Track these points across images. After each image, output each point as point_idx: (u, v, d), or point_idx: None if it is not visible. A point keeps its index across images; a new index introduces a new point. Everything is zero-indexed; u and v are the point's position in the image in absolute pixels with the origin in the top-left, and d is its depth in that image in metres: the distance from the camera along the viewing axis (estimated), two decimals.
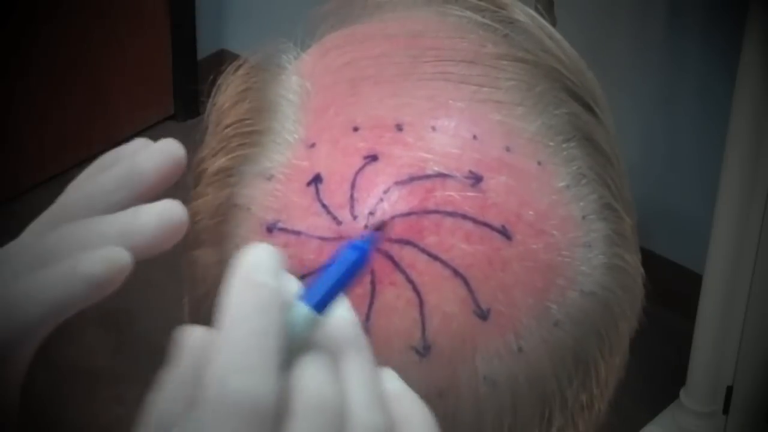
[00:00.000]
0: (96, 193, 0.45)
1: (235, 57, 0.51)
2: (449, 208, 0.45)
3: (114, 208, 0.44)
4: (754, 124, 1.68)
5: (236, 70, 0.51)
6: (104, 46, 2.51)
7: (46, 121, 2.44)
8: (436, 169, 0.45)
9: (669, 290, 1.65)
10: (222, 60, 0.49)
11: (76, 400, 1.92)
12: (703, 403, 1.84)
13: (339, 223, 0.45)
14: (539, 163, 0.47)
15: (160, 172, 0.45)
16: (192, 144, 0.52)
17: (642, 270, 0.51)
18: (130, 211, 0.44)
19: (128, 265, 0.42)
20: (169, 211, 0.43)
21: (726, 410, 1.84)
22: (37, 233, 0.45)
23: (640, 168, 2.09)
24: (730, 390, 1.83)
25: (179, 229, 0.43)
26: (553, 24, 0.53)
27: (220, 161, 0.49)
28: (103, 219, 0.44)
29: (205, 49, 2.67)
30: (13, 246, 0.45)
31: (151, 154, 0.45)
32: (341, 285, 0.40)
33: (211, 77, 0.52)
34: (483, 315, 0.45)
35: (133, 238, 0.43)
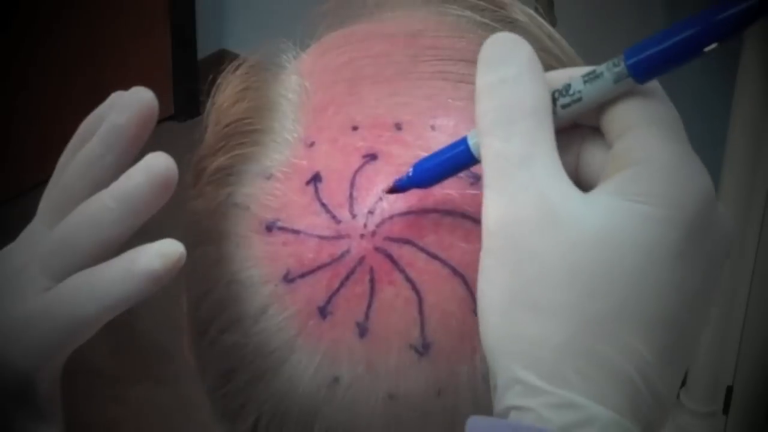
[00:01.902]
0: (88, 163, 0.47)
1: (235, 57, 0.51)
2: (448, 207, 0.45)
3: (109, 172, 0.46)
4: (754, 124, 1.68)
5: (236, 69, 0.51)
6: (104, 46, 2.51)
7: (46, 121, 2.43)
8: None
9: None
10: (222, 60, 0.50)
11: (76, 400, 1.92)
12: (703, 403, 1.84)
13: (338, 221, 0.45)
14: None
15: (136, 121, 0.47)
16: (192, 144, 0.52)
17: None
18: (122, 178, 0.45)
19: (183, 255, 0.44)
20: (154, 164, 0.45)
21: (726, 410, 1.84)
22: (48, 218, 0.46)
23: None
24: (730, 390, 1.83)
25: (169, 178, 0.45)
26: (553, 24, 0.53)
27: (220, 160, 0.49)
28: (102, 194, 0.46)
29: (205, 49, 2.67)
30: (32, 236, 0.47)
31: (124, 108, 0.47)
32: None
33: (211, 77, 0.52)
34: None
35: (131, 201, 0.45)
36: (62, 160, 0.48)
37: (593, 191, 0.40)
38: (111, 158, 0.47)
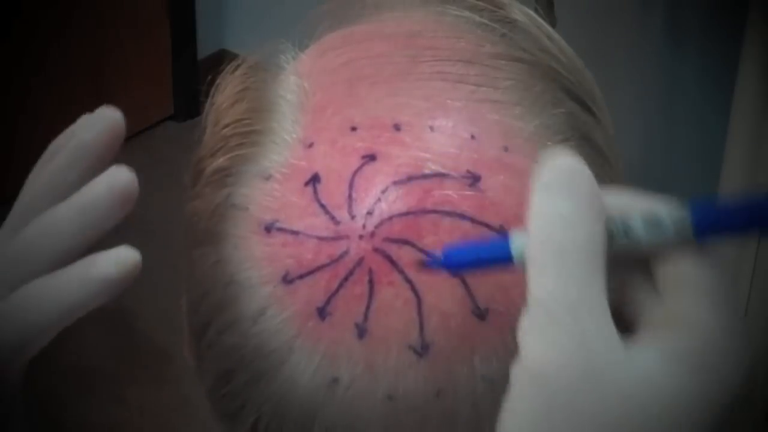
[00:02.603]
0: (52, 178, 0.47)
1: (235, 57, 0.51)
2: (447, 208, 0.45)
3: (73, 188, 0.46)
4: (754, 124, 1.68)
5: (234, 70, 0.51)
6: (104, 46, 2.51)
7: (46, 121, 2.43)
8: (434, 168, 0.45)
9: None
10: (222, 60, 0.50)
11: (76, 400, 1.92)
12: None
13: (337, 222, 0.45)
14: (537, 163, 0.47)
15: (102, 139, 0.47)
16: (191, 144, 0.52)
17: None
18: (83, 189, 0.45)
19: (138, 264, 0.44)
20: (115, 178, 0.45)
21: None
22: (10, 232, 0.46)
23: (640, 168, 2.09)
24: None
25: (130, 191, 0.45)
26: (553, 24, 0.53)
27: (218, 161, 0.49)
28: (62, 205, 0.46)
29: (205, 49, 2.67)
30: None
31: (90, 126, 0.47)
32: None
33: (210, 77, 0.52)
34: (481, 314, 0.45)
35: (91, 212, 0.45)
36: (30, 177, 0.48)
37: (637, 346, 0.39)
38: (75, 174, 0.47)
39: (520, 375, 0.39)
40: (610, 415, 0.38)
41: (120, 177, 0.45)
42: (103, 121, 0.47)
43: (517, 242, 0.41)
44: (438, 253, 0.43)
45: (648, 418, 0.38)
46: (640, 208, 0.40)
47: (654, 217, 0.40)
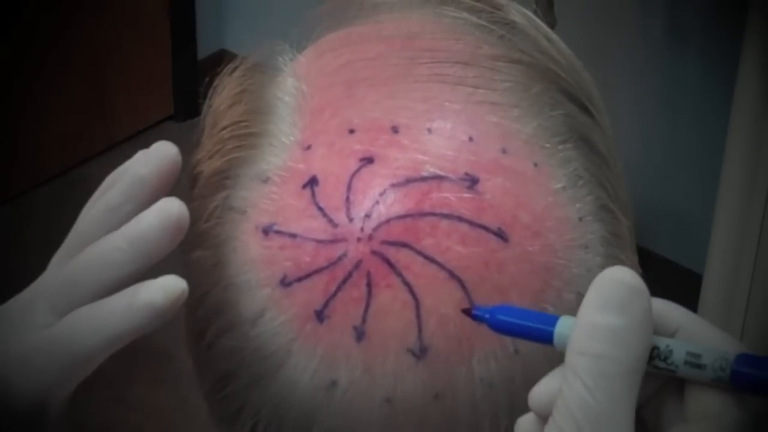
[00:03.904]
0: (106, 211, 0.47)
1: (235, 57, 0.51)
2: (445, 210, 0.45)
3: (126, 220, 0.46)
4: (754, 124, 1.68)
5: (232, 71, 0.51)
6: (104, 46, 2.51)
7: (46, 121, 2.44)
8: (432, 171, 0.45)
9: (669, 290, 1.65)
10: (222, 60, 0.50)
11: (76, 400, 1.92)
12: None
13: (335, 225, 0.45)
14: (535, 165, 0.47)
15: (158, 174, 0.47)
16: (191, 144, 0.52)
17: (641, 270, 0.51)
18: (134, 220, 0.46)
19: (185, 291, 0.45)
20: (167, 209, 0.45)
21: None
22: (63, 260, 0.47)
23: (640, 168, 2.09)
24: None
25: (181, 223, 0.45)
26: (553, 25, 0.53)
27: (216, 163, 0.49)
28: (114, 234, 0.46)
29: (205, 49, 2.67)
30: (43, 279, 0.48)
31: (148, 160, 0.47)
32: None
33: (208, 79, 0.52)
34: (479, 318, 0.45)
35: (143, 243, 0.45)
36: (86, 207, 0.49)
37: None
38: (130, 207, 0.47)
39: None
40: None
41: (171, 209, 0.45)
42: (159, 157, 0.47)
43: (563, 329, 0.41)
44: (487, 308, 0.43)
45: None
46: (688, 335, 0.41)
47: (696, 353, 0.40)
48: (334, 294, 0.45)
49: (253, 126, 0.48)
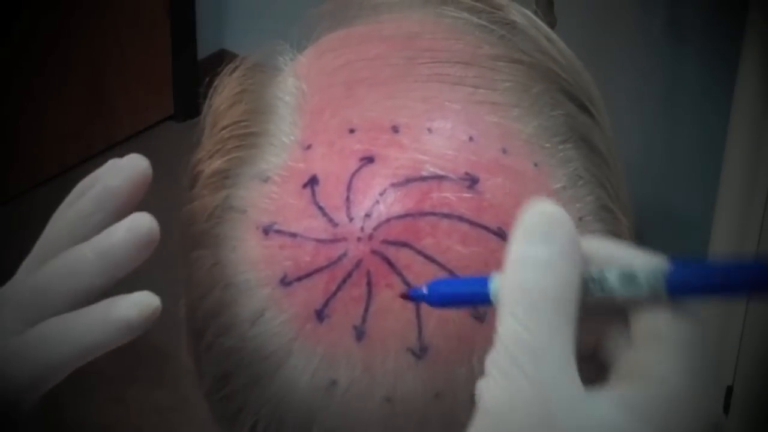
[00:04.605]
0: (76, 219, 0.48)
1: (235, 57, 0.51)
2: (445, 210, 0.45)
3: (95, 230, 0.47)
4: (754, 124, 1.68)
5: (232, 71, 0.51)
6: (104, 46, 2.51)
7: (46, 121, 2.44)
8: (432, 170, 0.45)
9: None
10: (222, 60, 0.50)
11: (76, 400, 1.92)
12: None
13: (335, 224, 0.45)
14: (535, 165, 0.47)
15: (128, 186, 0.47)
16: (191, 144, 0.52)
17: None
18: (105, 233, 0.46)
19: (158, 308, 0.45)
20: (138, 223, 0.46)
21: (726, 410, 1.84)
22: (30, 271, 0.47)
23: (640, 168, 2.09)
24: (730, 390, 1.83)
25: (150, 238, 0.46)
26: (553, 25, 0.53)
27: (216, 163, 0.49)
28: (83, 245, 0.46)
29: (205, 49, 2.67)
30: (11, 286, 0.48)
31: (119, 171, 0.48)
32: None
33: (208, 79, 0.52)
34: (480, 316, 0.45)
35: (111, 256, 0.46)
36: (54, 216, 0.49)
37: (597, 394, 0.39)
38: (100, 217, 0.47)
39: (478, 413, 0.39)
40: None
41: (142, 224, 0.46)
42: (131, 169, 0.48)
43: (496, 283, 0.41)
44: (423, 286, 0.43)
45: None
46: (618, 261, 0.40)
47: (629, 272, 0.40)
48: (334, 293, 0.45)
49: (254, 126, 0.48)
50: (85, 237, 0.47)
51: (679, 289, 0.39)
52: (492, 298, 0.41)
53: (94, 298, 0.46)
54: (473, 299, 0.42)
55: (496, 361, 0.39)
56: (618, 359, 0.41)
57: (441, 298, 0.43)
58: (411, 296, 0.43)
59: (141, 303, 0.45)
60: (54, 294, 0.46)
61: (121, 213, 0.47)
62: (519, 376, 0.38)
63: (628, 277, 0.40)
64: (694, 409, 0.39)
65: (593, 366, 0.41)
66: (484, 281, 0.41)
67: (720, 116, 1.81)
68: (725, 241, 1.75)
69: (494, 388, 0.39)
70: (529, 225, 0.40)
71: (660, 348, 0.39)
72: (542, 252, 0.40)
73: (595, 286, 0.40)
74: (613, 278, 0.40)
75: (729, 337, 1.78)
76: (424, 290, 0.43)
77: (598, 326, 0.41)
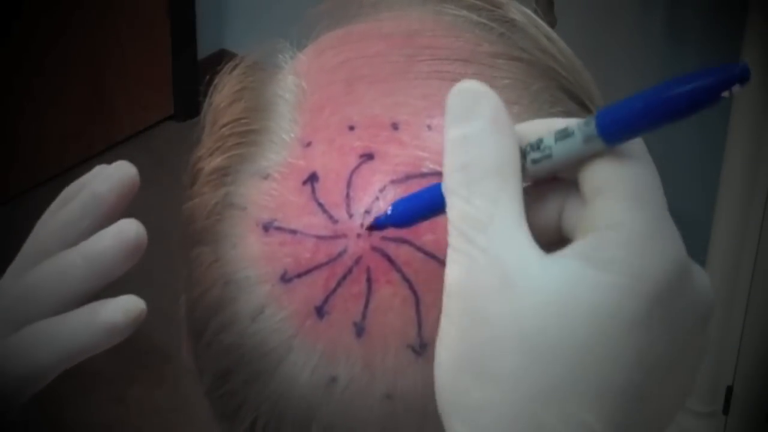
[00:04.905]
0: (63, 225, 0.49)
1: (235, 57, 0.51)
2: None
3: (83, 236, 0.48)
4: (754, 124, 1.68)
5: (232, 69, 0.51)
6: (104, 46, 2.51)
7: (45, 121, 2.44)
8: (431, 167, 0.45)
9: None
10: (222, 60, 0.50)
11: (76, 400, 1.92)
12: (703, 403, 1.84)
13: (335, 221, 0.45)
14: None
15: (116, 192, 0.48)
16: (191, 144, 0.52)
17: None
18: (93, 238, 0.47)
19: (144, 311, 0.46)
20: (125, 229, 0.47)
21: (726, 410, 1.84)
22: (17, 274, 0.47)
23: None
24: (730, 390, 1.83)
25: (137, 244, 0.47)
26: (553, 24, 0.53)
27: (216, 160, 0.49)
28: (71, 251, 0.47)
29: (205, 49, 2.67)
30: None
31: (106, 178, 0.49)
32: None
33: (208, 77, 0.52)
34: None
35: (99, 262, 0.47)
36: (41, 221, 0.50)
37: (555, 254, 0.39)
38: (87, 223, 0.48)
39: (444, 300, 0.40)
40: (527, 325, 0.38)
41: (129, 230, 0.47)
42: (118, 175, 0.49)
43: None
44: (384, 211, 0.44)
45: (567, 322, 0.38)
46: (552, 127, 0.41)
47: (562, 129, 0.40)
48: (334, 290, 0.45)
49: (254, 123, 0.49)
50: (72, 243, 0.48)
51: (611, 128, 0.39)
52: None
53: (80, 303, 0.47)
54: (434, 206, 0.42)
55: (451, 244, 0.40)
56: (573, 225, 0.41)
57: (404, 216, 0.43)
58: (377, 225, 0.44)
59: (127, 306, 0.46)
60: (41, 298, 0.47)
61: (108, 219, 0.48)
62: (471, 249, 0.39)
63: (562, 133, 0.40)
64: (654, 249, 0.39)
65: (561, 242, 0.40)
66: (437, 187, 0.42)
67: (720, 116, 1.81)
68: (725, 241, 1.76)
69: (453, 269, 0.40)
70: (453, 106, 0.41)
71: (609, 197, 0.39)
72: (472, 127, 0.40)
73: (533, 152, 0.41)
74: (549, 138, 0.40)
75: (729, 337, 1.79)
76: (388, 212, 0.44)
77: (553, 204, 0.42)
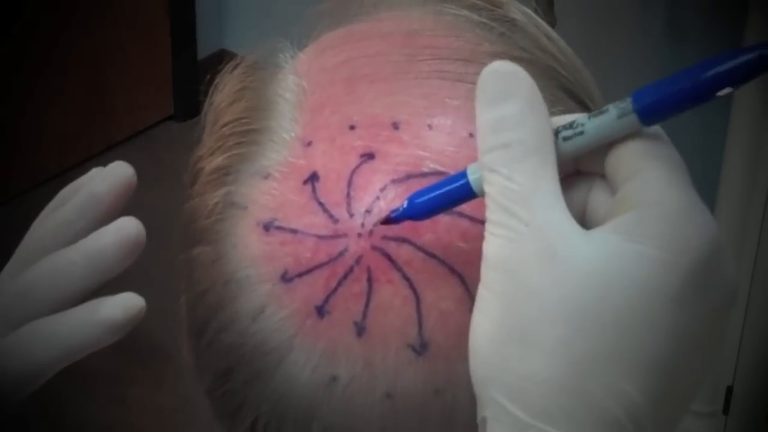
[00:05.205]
0: (60, 224, 0.49)
1: (235, 57, 0.51)
2: None
3: (79, 235, 0.48)
4: (754, 124, 1.68)
5: (233, 69, 0.51)
6: (104, 46, 2.51)
7: (46, 121, 2.44)
8: (432, 167, 0.45)
9: None
10: (222, 60, 0.50)
11: (76, 400, 1.92)
12: (703, 403, 1.84)
13: (335, 221, 0.45)
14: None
15: (113, 193, 0.49)
16: (191, 144, 0.52)
17: None
18: (92, 236, 0.47)
19: (143, 308, 0.46)
20: (126, 227, 0.47)
21: (726, 410, 1.84)
22: (14, 273, 0.47)
23: None
24: (730, 390, 1.83)
25: (138, 241, 0.47)
26: (553, 24, 0.53)
27: (217, 160, 0.49)
28: (70, 249, 0.47)
29: (205, 49, 2.67)
30: None
31: (104, 178, 0.49)
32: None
33: (209, 77, 0.52)
34: None
35: (99, 260, 0.47)
36: (37, 221, 0.50)
37: (595, 230, 0.40)
38: (84, 224, 0.48)
39: (484, 267, 0.41)
40: (572, 295, 0.39)
41: (129, 228, 0.47)
42: (116, 175, 0.49)
43: (475, 173, 0.42)
44: (400, 204, 0.44)
45: (610, 294, 0.39)
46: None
47: (599, 110, 0.42)
48: (335, 289, 0.45)
49: (254, 122, 0.49)
50: (69, 242, 0.48)
51: (648, 103, 0.41)
52: (474, 186, 0.42)
53: (78, 301, 0.47)
54: (455, 195, 0.43)
55: (491, 220, 0.41)
56: (608, 215, 0.42)
57: (423, 208, 0.44)
58: (394, 219, 0.44)
59: (126, 304, 0.46)
60: (40, 297, 0.47)
61: (105, 219, 0.48)
62: (514, 223, 0.40)
63: (597, 112, 0.42)
64: (694, 226, 0.40)
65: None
66: (461, 175, 0.43)
67: (720, 116, 1.81)
68: (725, 241, 1.75)
69: (494, 242, 0.41)
70: (487, 88, 0.42)
71: (647, 176, 0.41)
72: (510, 108, 0.41)
73: (564, 130, 0.42)
74: (581, 117, 0.42)
75: (729, 337, 1.79)
76: (404, 206, 0.44)
77: (579, 197, 0.43)
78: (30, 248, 0.49)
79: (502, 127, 0.41)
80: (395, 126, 0.46)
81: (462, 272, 0.44)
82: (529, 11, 0.52)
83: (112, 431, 1.99)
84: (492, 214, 0.41)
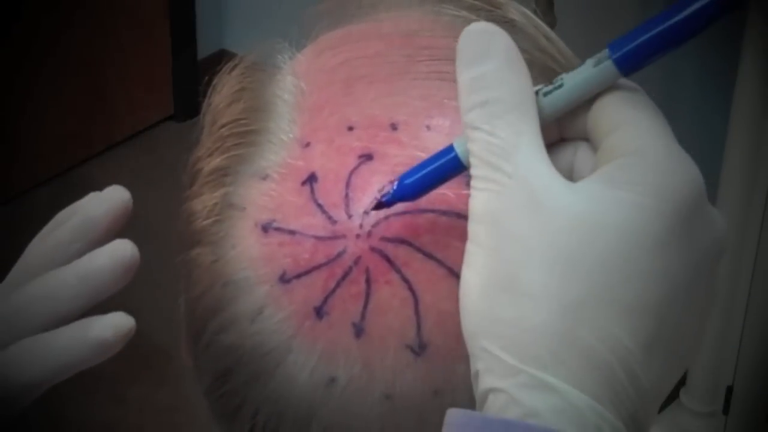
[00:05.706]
0: (55, 247, 0.49)
1: (234, 57, 0.51)
2: (444, 207, 0.45)
3: (74, 257, 0.48)
4: (754, 124, 1.68)
5: (231, 70, 0.51)
6: (104, 46, 2.51)
7: (46, 121, 2.44)
8: None
9: None
10: (222, 60, 0.50)
11: (76, 400, 1.92)
12: (703, 403, 1.84)
13: (334, 222, 0.45)
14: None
15: (109, 216, 0.49)
16: (191, 144, 0.52)
17: None
18: (86, 257, 0.48)
19: (133, 328, 0.47)
20: (120, 250, 0.48)
21: (726, 410, 1.84)
22: (6, 293, 0.48)
23: None
24: (730, 390, 1.83)
25: (131, 264, 0.47)
26: (552, 24, 0.53)
27: (216, 161, 0.49)
28: (64, 269, 0.48)
29: (205, 49, 2.67)
30: None
31: (101, 203, 0.49)
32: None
33: (207, 78, 0.52)
34: None
35: (92, 281, 0.47)
36: (33, 242, 0.51)
37: (579, 181, 0.41)
38: (79, 246, 0.49)
39: (470, 223, 0.41)
40: (557, 240, 0.39)
41: (124, 250, 0.47)
42: (113, 199, 0.49)
43: (461, 146, 0.43)
44: (390, 186, 0.44)
45: (595, 239, 0.39)
46: None
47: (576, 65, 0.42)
48: (333, 290, 0.45)
49: (253, 123, 0.49)
50: (64, 264, 0.48)
51: (622, 49, 0.42)
52: (462, 157, 0.43)
53: (70, 321, 0.48)
54: (444, 170, 0.43)
55: (475, 176, 0.41)
56: (587, 163, 0.43)
57: (413, 188, 0.44)
58: (386, 203, 0.44)
59: (116, 323, 0.47)
60: (31, 316, 0.47)
61: (100, 243, 0.49)
62: (498, 176, 0.41)
63: (576, 68, 0.42)
64: (675, 171, 0.41)
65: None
66: (448, 149, 0.43)
67: (720, 116, 1.81)
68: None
69: (479, 197, 0.41)
70: (466, 47, 0.43)
71: (627, 129, 0.41)
72: (488, 66, 0.42)
73: (545, 87, 0.43)
74: (562, 74, 0.43)
75: (729, 337, 1.79)
76: (394, 188, 0.44)
77: (564, 160, 0.43)
78: (24, 269, 0.49)
79: (481, 85, 0.42)
80: (394, 127, 0.46)
81: (461, 273, 0.44)
82: (528, 12, 0.52)
83: (112, 431, 1.99)
84: (476, 170, 0.41)
